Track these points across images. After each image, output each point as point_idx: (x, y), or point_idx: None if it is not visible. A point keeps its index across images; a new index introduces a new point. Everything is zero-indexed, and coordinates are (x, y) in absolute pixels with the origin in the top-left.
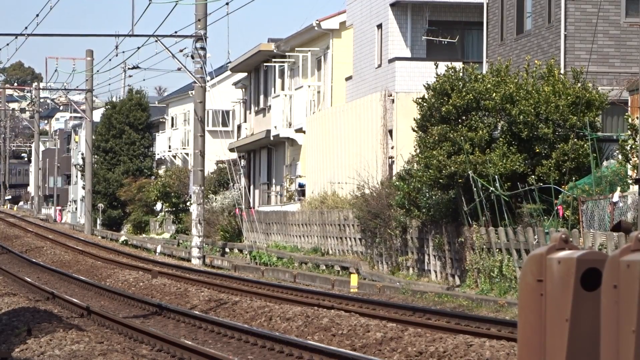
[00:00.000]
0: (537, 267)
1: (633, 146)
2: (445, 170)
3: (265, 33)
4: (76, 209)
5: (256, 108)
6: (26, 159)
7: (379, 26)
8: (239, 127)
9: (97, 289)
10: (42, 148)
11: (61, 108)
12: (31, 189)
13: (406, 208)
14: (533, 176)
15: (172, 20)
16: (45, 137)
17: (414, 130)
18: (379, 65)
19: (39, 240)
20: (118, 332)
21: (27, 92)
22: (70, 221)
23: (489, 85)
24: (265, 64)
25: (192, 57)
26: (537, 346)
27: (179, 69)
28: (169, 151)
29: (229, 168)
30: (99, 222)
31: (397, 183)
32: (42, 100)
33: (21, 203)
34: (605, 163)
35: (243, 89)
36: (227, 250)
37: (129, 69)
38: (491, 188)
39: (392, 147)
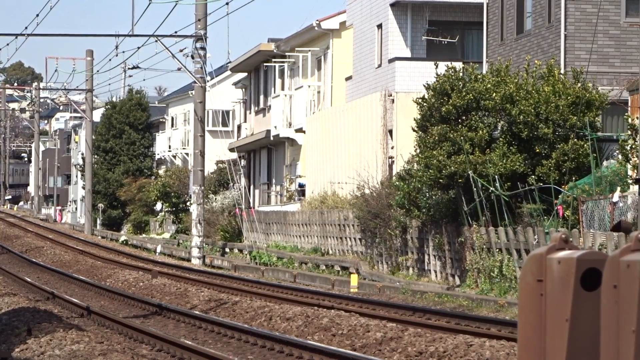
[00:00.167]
0: (537, 267)
1: (633, 146)
2: (445, 170)
3: (265, 33)
4: (76, 209)
5: (256, 108)
6: (26, 159)
7: (379, 26)
8: (239, 127)
9: (97, 289)
10: (42, 148)
11: (61, 108)
12: (31, 189)
13: (406, 208)
14: (533, 176)
15: (172, 20)
16: (45, 137)
17: (414, 130)
18: (379, 65)
19: (39, 240)
20: (118, 332)
21: (27, 92)
22: (70, 221)
23: (489, 85)
24: (265, 64)
25: (192, 57)
26: (537, 346)
27: (179, 69)
28: (169, 151)
29: (229, 168)
30: (99, 222)
31: (397, 183)
32: (42, 100)
33: (21, 203)
34: (605, 163)
35: (243, 89)
36: (227, 250)
37: (129, 69)
38: (491, 188)
39: (392, 147)
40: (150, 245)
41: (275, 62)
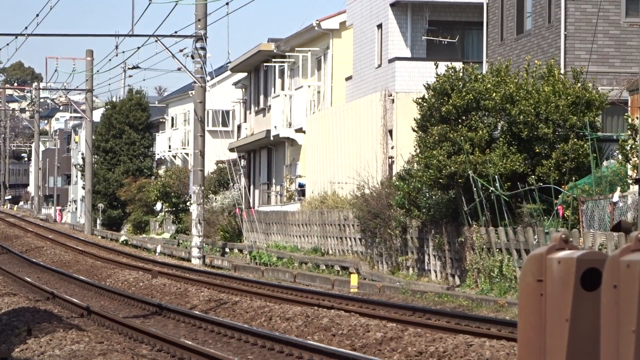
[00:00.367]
0: (537, 267)
1: (633, 146)
2: (445, 170)
3: (265, 33)
4: (76, 209)
5: (256, 108)
6: (26, 159)
7: (379, 26)
8: (239, 127)
9: (97, 289)
10: (42, 148)
11: (61, 108)
12: (31, 189)
13: (406, 208)
14: (533, 176)
15: (172, 20)
16: (45, 137)
17: (414, 130)
18: (379, 65)
19: (39, 240)
20: (118, 332)
21: (27, 92)
22: (70, 221)
23: (489, 85)
24: (265, 64)
25: (192, 57)
26: (537, 346)
27: (179, 69)
28: (169, 151)
29: (229, 168)
30: (99, 222)
31: (397, 183)
32: (42, 100)
33: (21, 203)
34: (605, 163)
35: (243, 89)
36: (227, 250)
37: (129, 69)
38: (491, 188)
39: (392, 147)
40: (150, 245)
41: (275, 62)
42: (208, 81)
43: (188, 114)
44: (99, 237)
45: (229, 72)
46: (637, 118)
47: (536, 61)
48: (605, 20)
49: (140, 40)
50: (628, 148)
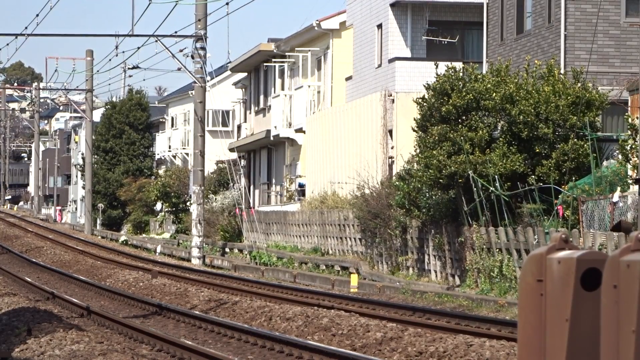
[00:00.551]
0: (537, 267)
1: (633, 146)
2: (445, 170)
3: (265, 33)
4: (76, 209)
5: (256, 108)
6: (26, 159)
7: (379, 26)
8: (239, 127)
9: (97, 289)
10: (42, 148)
11: (61, 108)
12: (31, 189)
13: (406, 208)
14: (533, 176)
15: (172, 20)
16: (45, 137)
17: (414, 130)
18: (379, 65)
19: (39, 240)
20: (118, 332)
21: (27, 92)
22: (70, 221)
23: (489, 85)
24: (265, 64)
25: (192, 57)
26: (537, 346)
27: (179, 69)
28: (169, 151)
29: (229, 168)
30: (99, 222)
31: (397, 183)
32: (42, 100)
33: (21, 203)
34: (605, 163)
35: (243, 89)
36: (227, 250)
37: (129, 69)
38: (491, 188)
39: (392, 147)
40: (150, 245)
41: (275, 62)
42: (208, 81)
43: (188, 114)
44: (99, 237)
45: (229, 72)
46: (637, 118)
47: (536, 61)
48: (605, 20)
49: (140, 40)
50: (628, 148)
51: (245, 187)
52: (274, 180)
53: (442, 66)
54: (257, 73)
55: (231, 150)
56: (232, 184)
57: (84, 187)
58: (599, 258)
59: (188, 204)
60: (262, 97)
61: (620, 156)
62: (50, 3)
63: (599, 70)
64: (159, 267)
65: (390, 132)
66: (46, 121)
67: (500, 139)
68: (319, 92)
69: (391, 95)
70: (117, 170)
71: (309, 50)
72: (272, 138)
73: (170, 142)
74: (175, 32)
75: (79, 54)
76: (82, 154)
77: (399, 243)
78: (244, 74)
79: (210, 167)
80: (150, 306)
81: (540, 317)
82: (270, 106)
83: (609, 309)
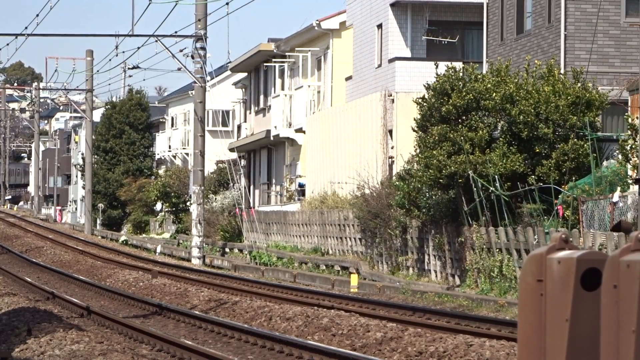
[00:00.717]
0: (537, 267)
1: (633, 146)
2: (445, 170)
3: (265, 33)
4: (76, 209)
5: (256, 108)
6: (26, 159)
7: (379, 26)
8: (239, 127)
9: (97, 289)
10: (42, 148)
11: (61, 108)
12: (31, 189)
13: (406, 208)
14: (533, 176)
15: (172, 20)
16: (45, 137)
17: (414, 130)
18: (379, 65)
19: (39, 240)
20: (118, 332)
21: (27, 92)
22: (70, 221)
23: (489, 85)
24: (265, 64)
25: (192, 57)
26: (537, 346)
27: (179, 69)
28: (169, 151)
29: (229, 168)
30: (99, 222)
31: (397, 183)
32: (42, 100)
33: (21, 203)
34: (605, 163)
35: (243, 89)
36: (227, 250)
37: (129, 69)
38: (491, 188)
39: (392, 147)
40: (150, 245)
41: (275, 62)
42: (208, 81)
43: (188, 114)
44: (99, 237)
45: (229, 72)
46: (637, 118)
47: (536, 61)
48: (605, 20)
49: (140, 40)
50: (628, 148)
51: (245, 187)
52: (274, 180)
53: (442, 66)
54: (257, 73)
55: (231, 150)
56: (232, 184)
57: (84, 187)
58: (599, 258)
59: (188, 204)
60: (262, 97)
61: (620, 156)
62: (50, 3)
63: (599, 70)
64: (159, 267)
65: (390, 132)
66: (46, 121)
67: (500, 139)
68: (319, 92)
69: (391, 95)
70: (117, 170)
71: (309, 50)
72: (272, 138)
73: (170, 142)
74: (175, 32)
75: (79, 54)
76: (82, 154)
77: (399, 243)
78: (244, 74)
79: (210, 167)
80: (150, 306)
81: (540, 317)
82: (270, 106)
83: (609, 309)
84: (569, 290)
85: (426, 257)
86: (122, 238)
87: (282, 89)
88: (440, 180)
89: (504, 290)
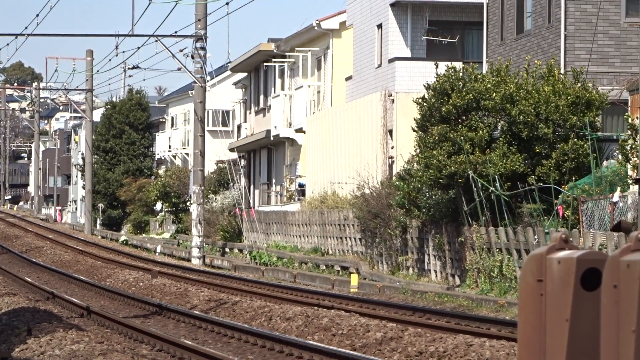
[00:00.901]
0: (537, 267)
1: (633, 146)
2: (445, 170)
3: (265, 33)
4: (76, 209)
5: (256, 108)
6: (26, 159)
7: (379, 26)
8: (239, 127)
9: (97, 289)
10: (42, 148)
11: (61, 108)
12: (31, 189)
13: (406, 208)
14: (533, 176)
15: (172, 20)
16: (45, 137)
17: (414, 130)
18: (379, 65)
19: (39, 240)
20: (118, 332)
21: (27, 92)
22: (70, 221)
23: (489, 85)
24: (265, 64)
25: (192, 57)
26: (537, 346)
27: (179, 69)
28: (169, 151)
29: (229, 168)
30: (99, 222)
31: (397, 183)
32: (42, 100)
33: (21, 203)
34: (605, 163)
35: (243, 89)
36: (227, 250)
37: (129, 69)
38: (491, 188)
39: (392, 147)
40: (150, 245)
41: (275, 62)
42: (208, 81)
43: (188, 114)
44: (99, 237)
45: (229, 72)
46: (637, 118)
47: (536, 61)
48: (605, 20)
49: (140, 40)
50: (628, 148)
51: (245, 187)
52: (274, 180)
53: (442, 66)
54: (257, 73)
55: (231, 150)
56: (232, 184)
57: (84, 187)
58: (599, 258)
59: (188, 204)
60: (262, 97)
61: (620, 156)
62: (50, 3)
63: (599, 70)
64: (159, 267)
65: (390, 132)
66: (46, 121)
67: (500, 139)
68: (319, 92)
69: (391, 95)
70: (117, 170)
71: (309, 50)
72: (272, 138)
73: (170, 142)
74: (175, 32)
75: (79, 54)
76: (82, 154)
77: (399, 243)
78: (244, 74)
79: (210, 167)
80: (150, 306)
81: (540, 317)
82: (270, 106)
83: (609, 309)
84: (569, 290)
85: (426, 257)
86: (122, 238)
87: (282, 89)
88: (440, 180)
89: (504, 290)
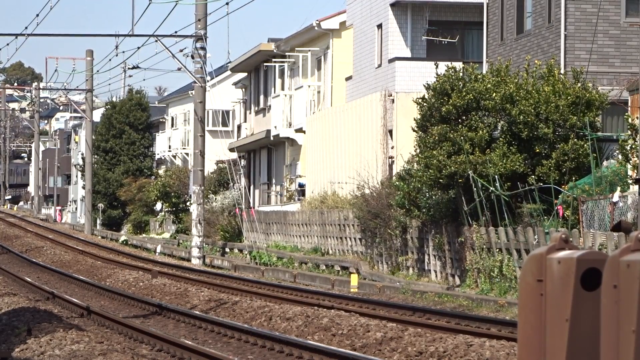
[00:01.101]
0: (537, 267)
1: (633, 146)
2: (445, 170)
3: (265, 33)
4: (76, 209)
5: (256, 108)
6: (26, 159)
7: (379, 26)
8: (239, 127)
9: (97, 289)
10: (42, 148)
11: (61, 108)
12: (31, 189)
13: (406, 208)
14: (533, 176)
15: (172, 20)
16: (45, 137)
17: (414, 130)
18: (379, 65)
19: (39, 240)
20: (118, 332)
21: (27, 92)
22: (70, 221)
23: (489, 85)
24: (265, 64)
25: (192, 57)
26: (537, 346)
27: (179, 69)
28: (169, 151)
29: (229, 168)
30: (99, 222)
31: (397, 183)
32: (42, 100)
33: (21, 203)
34: (605, 163)
35: (243, 89)
36: (227, 250)
37: (129, 69)
38: (491, 188)
39: (392, 147)
40: (150, 245)
41: (275, 62)
42: (208, 81)
43: (188, 114)
44: (99, 237)
45: (229, 72)
46: (637, 118)
47: (536, 61)
48: (605, 20)
49: (140, 40)
50: (628, 148)
51: (245, 187)
52: (274, 180)
53: (442, 66)
54: (257, 73)
55: (231, 150)
56: (232, 184)
57: (84, 187)
58: (599, 258)
59: (188, 204)
60: (262, 97)
61: (620, 156)
62: (50, 3)
63: (599, 70)
64: (159, 267)
65: (390, 132)
66: (46, 121)
67: (500, 139)
68: (319, 92)
69: (391, 95)
70: (117, 170)
71: (309, 50)
72: (272, 138)
73: (170, 142)
74: (175, 32)
75: (79, 54)
76: (82, 154)
77: (399, 243)
78: (244, 74)
79: (210, 167)
80: (150, 306)
81: (540, 317)
82: (270, 106)
83: (609, 309)
84: (569, 290)
85: (426, 257)
86: (122, 238)
87: (282, 89)
88: (440, 180)
89: (504, 290)
